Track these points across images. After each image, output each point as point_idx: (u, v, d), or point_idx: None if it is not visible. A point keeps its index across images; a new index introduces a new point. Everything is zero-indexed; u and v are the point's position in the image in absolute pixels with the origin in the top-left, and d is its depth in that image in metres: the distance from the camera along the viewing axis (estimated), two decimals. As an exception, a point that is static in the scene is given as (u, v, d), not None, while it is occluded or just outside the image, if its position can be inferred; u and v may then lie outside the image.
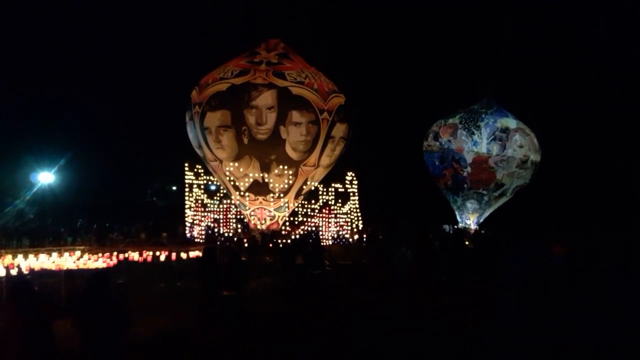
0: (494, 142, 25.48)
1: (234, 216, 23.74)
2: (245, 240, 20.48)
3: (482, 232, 23.62)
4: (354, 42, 39.94)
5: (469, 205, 26.71)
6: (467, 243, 17.28)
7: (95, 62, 42.50)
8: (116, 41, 44.38)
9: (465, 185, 26.21)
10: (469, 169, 25.76)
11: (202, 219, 23.31)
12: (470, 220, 26.96)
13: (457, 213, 27.46)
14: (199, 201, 23.61)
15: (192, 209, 23.68)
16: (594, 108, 35.86)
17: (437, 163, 27.03)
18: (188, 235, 23.37)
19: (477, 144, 25.55)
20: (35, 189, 31.28)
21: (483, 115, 26.05)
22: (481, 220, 27.13)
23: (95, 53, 43.14)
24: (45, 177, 31.53)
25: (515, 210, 27.05)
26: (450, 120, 26.80)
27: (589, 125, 35.46)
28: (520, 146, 25.72)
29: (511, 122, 26.08)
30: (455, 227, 25.20)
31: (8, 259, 13.47)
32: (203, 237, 22.53)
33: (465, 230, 24.31)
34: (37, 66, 40.08)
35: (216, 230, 22.81)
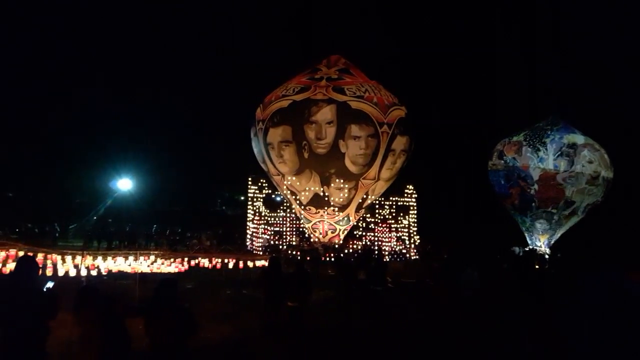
0: (561, 158, 24.37)
1: (295, 229, 23.89)
2: (307, 253, 20.51)
3: (552, 255, 22.28)
4: (419, 56, 39.52)
5: (538, 225, 25.43)
6: (537, 267, 16.32)
7: (178, 84, 44.71)
8: (198, 63, 46.51)
9: (533, 204, 25.08)
10: (536, 186, 24.76)
11: (263, 231, 23.63)
12: (540, 241, 25.61)
13: (526, 235, 26.22)
14: (260, 214, 23.97)
15: (254, 222, 24.06)
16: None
17: (502, 182, 26.09)
18: (248, 246, 23.69)
19: (543, 160, 24.52)
20: (115, 195, 32.98)
21: (548, 132, 25.05)
22: (552, 242, 25.69)
23: (177, 75, 45.40)
24: (124, 184, 33.20)
25: (588, 230, 25.40)
26: (515, 138, 25.93)
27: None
28: (590, 162, 24.38)
29: (579, 138, 24.82)
30: (526, 249, 23.97)
31: (89, 260, 14.10)
32: (261, 249, 22.77)
33: (536, 252, 23.09)
34: (123, 83, 42.66)
35: (276, 242, 23.04)
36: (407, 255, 23.82)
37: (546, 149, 24.55)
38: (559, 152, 24.42)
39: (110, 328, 5.44)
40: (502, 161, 26.04)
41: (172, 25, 47.42)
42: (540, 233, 25.62)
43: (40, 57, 39.57)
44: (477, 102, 38.45)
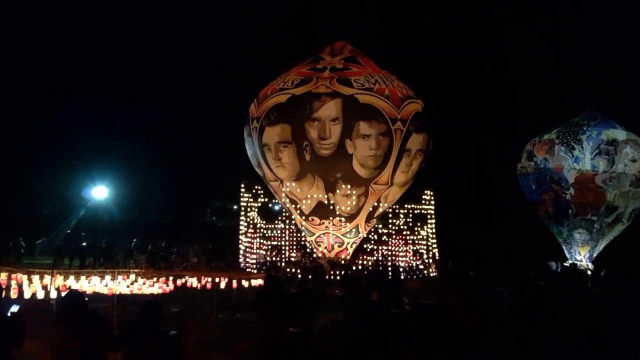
0: (599, 157, 24.16)
1: (296, 242, 23.88)
2: (310, 270, 20.45)
3: (596, 271, 22.07)
4: (435, 41, 39.52)
5: (577, 236, 25.21)
6: (578, 285, 16.19)
7: (160, 79, 44.91)
8: (181, 55, 46.63)
9: (570, 211, 24.90)
10: (572, 190, 24.49)
11: (259, 246, 23.58)
12: (581, 255, 25.39)
13: (564, 247, 26.02)
14: (255, 226, 23.93)
15: (248, 235, 23.98)
16: None
17: (533, 187, 25.97)
18: (241, 263, 23.58)
19: (578, 160, 24.35)
20: (88, 205, 33.02)
21: (584, 128, 24.88)
22: (595, 255, 25.51)
23: (158, 68, 45.59)
24: (99, 192, 33.22)
25: (636, 240, 25.19)
26: (546, 136, 25.82)
27: None
28: (633, 160, 24.19)
29: (620, 134, 24.66)
30: (565, 264, 23.81)
31: (59, 280, 14.11)
32: (255, 266, 22.67)
33: (577, 268, 22.89)
34: (95, 77, 42.85)
35: (274, 258, 22.99)
36: (426, 271, 23.74)
37: (582, 147, 24.41)
38: (597, 150, 24.25)
39: (90, 351, 5.42)
40: (532, 163, 25.94)
41: (150, 17, 47.63)
42: (580, 245, 25.41)
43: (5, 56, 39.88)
44: (505, 95, 38.38)
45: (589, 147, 24.36)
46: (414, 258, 24.06)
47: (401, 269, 22.23)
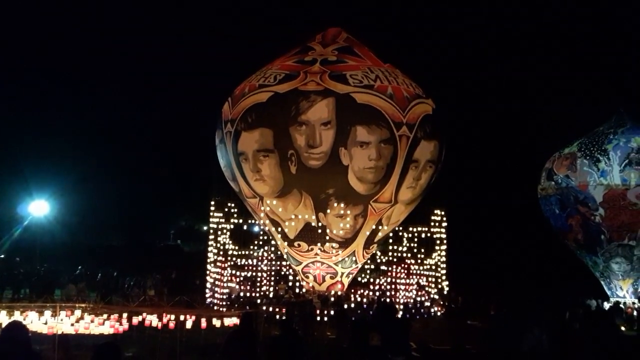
0: (629, 168, 24.69)
1: (275, 273, 23.80)
2: (296, 307, 20.33)
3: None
4: (448, 31, 39.95)
5: (614, 266, 25.43)
6: (622, 328, 16.26)
7: (112, 76, 44.88)
8: (136, 43, 46.64)
9: (603, 237, 25.21)
10: (601, 210, 24.89)
11: (230, 277, 23.30)
12: (623, 289, 25.55)
13: (602, 282, 26.20)
14: (226, 252, 23.76)
15: (217, 264, 23.73)
16: None
17: (557, 211, 26.31)
18: (208, 298, 23.32)
19: (606, 173, 24.81)
20: (24, 223, 32.74)
21: (610, 136, 25.42)
22: (640, 289, 25.74)
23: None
24: (39, 208, 32.95)
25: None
26: (567, 150, 26.17)
27: None
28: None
29: (653, 139, 25.14)
30: (606, 303, 23.91)
31: (-14, 316, 13.90)
32: (225, 303, 22.43)
33: (620, 307, 22.96)
34: (34, 72, 42.71)
35: (248, 293, 22.80)
36: (432, 309, 23.63)
37: (608, 158, 24.80)
38: (627, 160, 24.64)
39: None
40: (553, 182, 26.25)
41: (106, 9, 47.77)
42: (620, 278, 25.59)
43: None
44: (527, 104, 38.82)
45: (617, 157, 24.78)
46: (420, 293, 23.94)
47: (401, 306, 22.17)
